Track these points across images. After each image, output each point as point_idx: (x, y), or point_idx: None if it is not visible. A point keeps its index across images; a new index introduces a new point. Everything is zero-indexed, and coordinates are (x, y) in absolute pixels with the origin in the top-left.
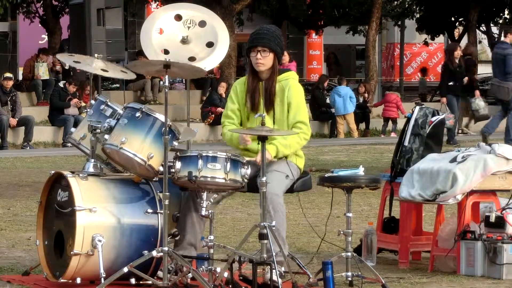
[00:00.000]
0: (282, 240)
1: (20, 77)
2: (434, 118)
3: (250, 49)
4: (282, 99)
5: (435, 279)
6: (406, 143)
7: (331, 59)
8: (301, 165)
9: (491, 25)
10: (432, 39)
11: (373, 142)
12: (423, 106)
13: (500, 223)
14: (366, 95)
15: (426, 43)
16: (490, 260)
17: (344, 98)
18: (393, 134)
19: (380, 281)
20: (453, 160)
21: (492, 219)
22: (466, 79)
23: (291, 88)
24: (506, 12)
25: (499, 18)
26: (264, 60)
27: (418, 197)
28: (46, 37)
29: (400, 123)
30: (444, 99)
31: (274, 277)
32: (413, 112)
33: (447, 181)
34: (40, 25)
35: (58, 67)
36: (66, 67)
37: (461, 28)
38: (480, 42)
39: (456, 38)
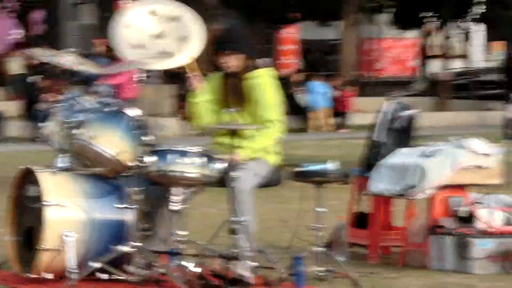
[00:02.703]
0: (253, 236)
1: None
2: (404, 113)
3: (217, 53)
4: (250, 96)
5: (405, 274)
6: (376, 138)
7: (304, 54)
8: (272, 160)
9: (465, 19)
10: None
11: (345, 137)
12: (394, 100)
13: (469, 217)
14: (339, 89)
15: (398, 38)
16: (460, 255)
17: (318, 94)
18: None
19: (350, 276)
20: (423, 154)
21: (462, 213)
22: None
23: (260, 85)
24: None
25: (472, 13)
26: (229, 63)
27: (387, 192)
28: (19, 32)
29: (357, 119)
30: None
31: (245, 272)
32: (383, 106)
33: (417, 176)
34: (11, 20)
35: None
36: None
37: (434, 23)
38: (452, 37)
39: (429, 33)
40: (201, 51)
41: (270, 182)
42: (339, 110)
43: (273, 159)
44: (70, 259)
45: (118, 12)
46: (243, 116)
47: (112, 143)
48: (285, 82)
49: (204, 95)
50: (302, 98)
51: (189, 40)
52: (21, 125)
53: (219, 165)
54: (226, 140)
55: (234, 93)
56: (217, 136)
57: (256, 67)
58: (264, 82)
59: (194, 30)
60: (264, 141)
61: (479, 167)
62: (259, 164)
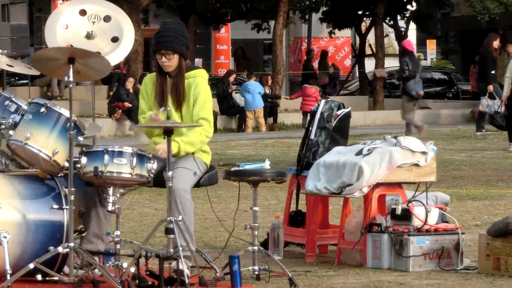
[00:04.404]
0: (190, 235)
1: None
2: (339, 112)
3: (155, 52)
4: (188, 95)
5: (342, 272)
6: (312, 137)
7: (238, 53)
8: (207, 160)
9: (398, 18)
10: (336, 31)
11: (281, 136)
12: (329, 99)
13: (406, 215)
14: (272, 86)
15: (330, 35)
16: (396, 253)
17: (253, 93)
18: None
19: (287, 274)
20: (359, 153)
21: (398, 211)
22: None
23: (198, 85)
24: (414, 6)
25: (405, 12)
26: (169, 62)
27: (324, 190)
28: None
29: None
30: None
31: (182, 271)
32: (318, 105)
33: (353, 174)
34: None
35: None
36: None
37: (368, 21)
38: (387, 35)
39: (363, 32)
40: (131, 52)
41: (207, 182)
42: (273, 109)
43: (208, 159)
44: (6, 260)
45: (53, 12)
46: (177, 116)
47: (47, 144)
48: (221, 82)
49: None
50: (238, 98)
51: (120, 40)
52: None
53: (154, 165)
54: (161, 140)
55: (174, 92)
56: (153, 136)
57: (193, 67)
58: (202, 82)
59: (125, 30)
60: (196, 137)
61: (415, 165)
62: (196, 163)
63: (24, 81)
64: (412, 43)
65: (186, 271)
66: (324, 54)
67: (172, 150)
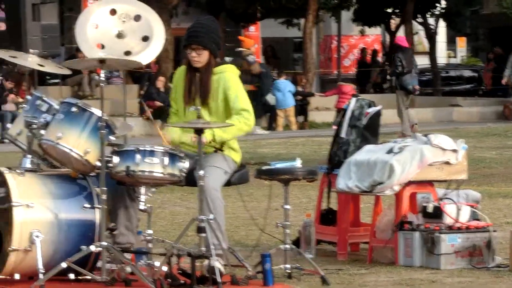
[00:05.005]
0: (222, 233)
1: None
2: (370, 110)
3: (186, 46)
4: (217, 91)
5: (374, 270)
6: (343, 135)
7: (268, 52)
8: (237, 158)
9: (427, 16)
10: (369, 27)
11: (311, 135)
12: (359, 97)
13: (437, 213)
14: (304, 85)
15: (362, 33)
16: (428, 251)
17: (284, 92)
18: None
19: (318, 273)
20: (390, 151)
21: (430, 209)
22: None
23: (226, 80)
24: (443, 3)
25: (435, 9)
26: (199, 58)
27: (355, 189)
28: None
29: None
30: None
31: (214, 269)
32: (349, 103)
33: (384, 172)
34: None
35: None
36: None
37: (397, 19)
38: (416, 33)
39: (392, 30)
40: (162, 50)
41: (238, 180)
42: (303, 107)
43: (238, 157)
44: (38, 259)
45: (83, 12)
46: (205, 112)
47: (79, 143)
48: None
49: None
50: (268, 96)
51: (150, 39)
52: None
53: (186, 164)
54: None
55: (201, 88)
56: (183, 134)
57: (222, 63)
58: (230, 76)
59: (155, 29)
60: (237, 126)
61: (446, 163)
62: (227, 161)
63: (55, 80)
64: (404, 39)
65: (221, 268)
66: (368, 51)
67: (206, 137)
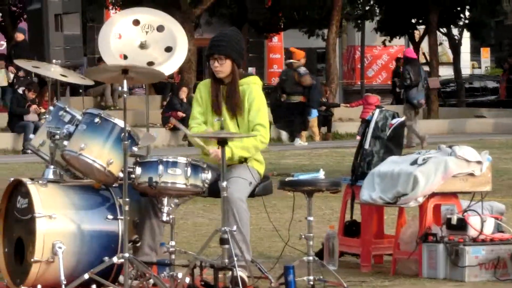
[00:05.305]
0: (246, 245)
1: None
2: (394, 121)
3: (209, 57)
4: (243, 103)
5: (397, 282)
6: (366, 146)
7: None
8: (260, 170)
9: (452, 27)
10: (391, 40)
11: (335, 146)
12: (383, 109)
13: (461, 225)
14: (327, 95)
15: (384, 44)
16: (452, 263)
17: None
18: None
19: (342, 285)
20: (414, 162)
21: (454, 221)
22: None
23: (252, 92)
24: (467, 14)
25: (459, 20)
26: (221, 68)
27: (379, 200)
28: (5, 43)
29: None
30: None
31: (237, 280)
32: (373, 115)
33: (408, 184)
34: None
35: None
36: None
37: (421, 30)
38: (440, 44)
39: (416, 40)
40: (185, 61)
41: (262, 191)
42: (327, 118)
43: (262, 168)
44: (61, 271)
45: (106, 22)
46: (233, 124)
47: (102, 154)
48: (274, 91)
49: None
50: None
51: (173, 50)
52: (9, 136)
53: (209, 175)
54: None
55: (228, 101)
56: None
57: (246, 75)
58: (256, 89)
59: (178, 40)
60: (250, 142)
61: (470, 174)
62: (250, 172)
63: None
64: (413, 51)
65: (245, 279)
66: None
67: (227, 154)
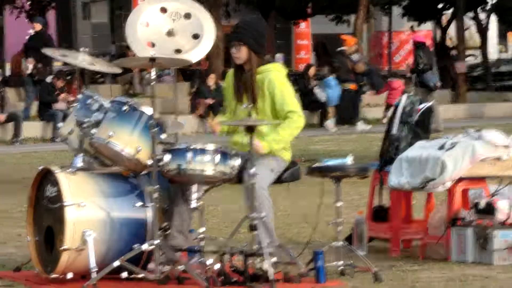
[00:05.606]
0: (271, 231)
1: (8, 73)
2: (421, 106)
3: (229, 45)
4: (262, 91)
5: (426, 267)
6: (394, 132)
7: (319, 48)
8: (286, 156)
9: (479, 11)
10: (419, 25)
11: (363, 131)
12: (410, 94)
13: (489, 209)
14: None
15: (412, 30)
16: (480, 246)
17: (335, 89)
18: None
19: (371, 269)
20: (442, 147)
21: (482, 205)
22: None
23: (271, 80)
24: None
25: (486, 4)
26: (238, 54)
27: (407, 185)
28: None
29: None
30: None
31: (266, 267)
32: (400, 100)
33: (436, 169)
34: (26, 19)
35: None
36: (29, 71)
37: (448, 14)
38: (467, 28)
39: (443, 25)
40: (213, 48)
41: (289, 178)
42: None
43: (288, 155)
44: (91, 258)
45: (133, 10)
46: (255, 113)
47: (130, 142)
48: (301, 77)
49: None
50: (320, 93)
51: (201, 37)
52: (38, 125)
53: (237, 162)
54: (241, 137)
55: (245, 88)
56: (234, 134)
57: (267, 62)
58: (275, 75)
59: (206, 27)
60: (286, 132)
61: (498, 158)
62: (275, 160)
63: (100, 80)
64: (423, 37)
65: (270, 270)
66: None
67: (264, 149)
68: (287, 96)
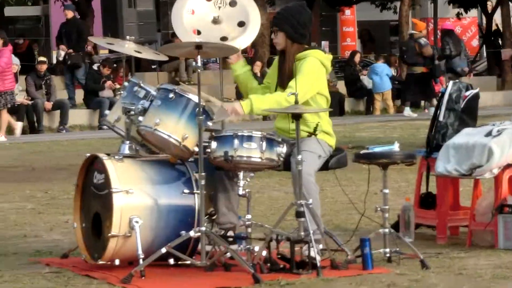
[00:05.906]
0: (317, 218)
1: (54, 61)
2: (468, 93)
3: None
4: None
5: (473, 254)
6: (441, 118)
7: (364, 35)
8: (331, 142)
9: None
10: (465, 12)
11: (409, 118)
12: (457, 81)
13: None
14: (398, 67)
15: (458, 17)
16: None
17: (381, 75)
18: None
19: (418, 256)
20: (488, 134)
21: None
22: None
23: (303, 64)
24: None
25: None
26: (276, 39)
27: (454, 172)
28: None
29: None
30: None
31: (313, 254)
32: (447, 87)
33: (483, 155)
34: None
35: (89, 48)
36: (61, 58)
37: (494, 1)
38: None
39: (489, 12)
40: (258, 35)
41: (336, 164)
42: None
43: (332, 141)
44: (138, 245)
45: None
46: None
47: (177, 129)
48: (347, 65)
49: (243, 67)
50: (365, 80)
51: (246, 25)
52: (85, 112)
53: (284, 149)
54: (285, 123)
55: (284, 75)
56: (278, 120)
57: (308, 48)
58: (309, 60)
59: (251, 15)
60: (276, 99)
61: None
62: (320, 145)
63: (152, 67)
64: (451, 24)
65: (317, 257)
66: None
67: (244, 109)
68: (303, 76)
